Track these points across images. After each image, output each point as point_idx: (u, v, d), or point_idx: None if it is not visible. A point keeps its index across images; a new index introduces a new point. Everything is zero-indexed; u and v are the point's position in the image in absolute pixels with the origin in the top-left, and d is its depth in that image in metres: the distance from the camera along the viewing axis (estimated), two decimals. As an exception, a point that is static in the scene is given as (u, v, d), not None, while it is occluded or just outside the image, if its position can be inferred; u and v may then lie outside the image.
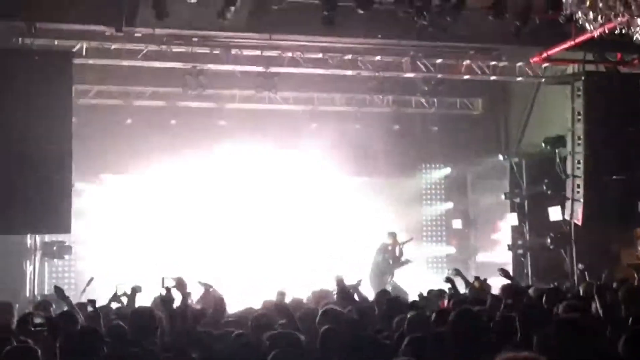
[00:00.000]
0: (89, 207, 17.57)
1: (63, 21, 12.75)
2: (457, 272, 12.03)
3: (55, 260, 16.25)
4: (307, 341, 6.34)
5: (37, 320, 7.29)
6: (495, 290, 10.90)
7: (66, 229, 13.17)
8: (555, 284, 13.11)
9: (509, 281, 10.70)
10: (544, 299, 9.02)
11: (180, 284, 7.89)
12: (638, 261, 15.05)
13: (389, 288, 14.81)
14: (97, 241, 17.54)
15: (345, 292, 9.32)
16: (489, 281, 11.97)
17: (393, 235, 17.39)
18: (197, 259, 16.89)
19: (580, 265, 13.59)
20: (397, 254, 17.14)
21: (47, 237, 15.58)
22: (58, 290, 9.24)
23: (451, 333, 6.22)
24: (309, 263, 17.88)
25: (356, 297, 9.81)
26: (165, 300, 7.55)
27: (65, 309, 8.70)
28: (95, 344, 6.17)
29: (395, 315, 7.50)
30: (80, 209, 16.94)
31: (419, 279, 16.79)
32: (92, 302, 8.93)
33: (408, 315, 7.12)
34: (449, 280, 11.20)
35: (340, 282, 9.49)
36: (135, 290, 9.82)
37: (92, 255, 17.19)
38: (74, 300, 11.52)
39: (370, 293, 12.64)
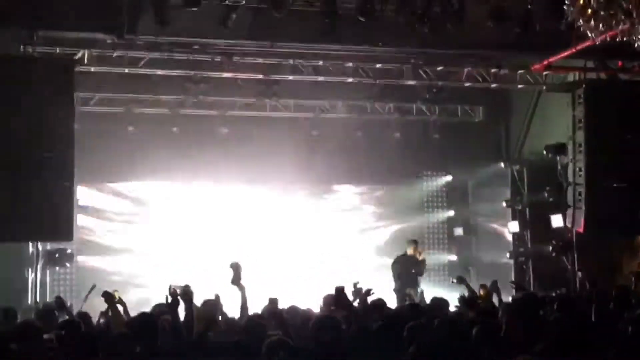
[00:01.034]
0: (91, 214, 17.62)
1: (64, 29, 12.75)
2: (461, 280, 11.89)
3: (57, 267, 16.21)
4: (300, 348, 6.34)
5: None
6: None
7: (68, 237, 13.14)
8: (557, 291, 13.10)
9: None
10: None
11: (187, 293, 7.88)
12: (639, 269, 15.03)
13: (416, 299, 14.49)
14: (100, 248, 17.57)
15: (342, 300, 9.26)
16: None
17: (413, 242, 16.72)
18: (201, 268, 16.88)
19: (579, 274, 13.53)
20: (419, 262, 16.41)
21: (49, 245, 15.56)
22: (58, 300, 9.24)
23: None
24: (309, 270, 17.87)
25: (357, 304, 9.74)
26: (171, 308, 7.58)
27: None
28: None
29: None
30: (82, 216, 17.06)
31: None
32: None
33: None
34: (461, 280, 11.11)
35: (338, 290, 9.46)
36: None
37: (95, 262, 17.22)
38: (76, 307, 11.62)
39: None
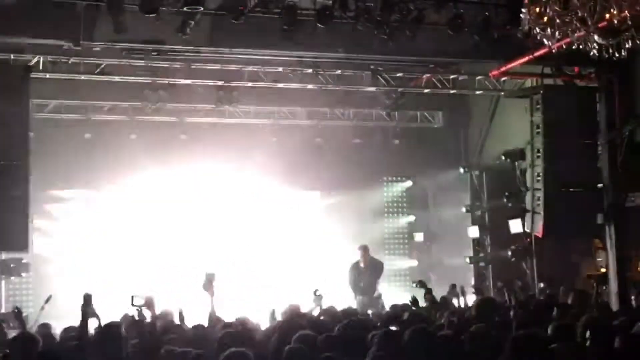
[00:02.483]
0: (47, 223, 17.35)
1: (19, 35, 12.56)
2: (422, 284, 11.81)
3: (13, 277, 15.92)
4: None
5: None
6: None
7: (23, 247, 12.93)
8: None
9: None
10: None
11: (149, 303, 7.79)
12: (597, 272, 15.21)
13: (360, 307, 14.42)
14: (56, 258, 17.32)
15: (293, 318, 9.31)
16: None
17: (362, 248, 16.40)
18: (158, 274, 16.74)
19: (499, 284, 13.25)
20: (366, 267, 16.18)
21: (4, 255, 15.29)
22: (17, 312, 9.10)
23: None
24: (267, 277, 17.81)
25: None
26: (138, 319, 7.51)
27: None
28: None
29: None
30: (37, 225, 16.78)
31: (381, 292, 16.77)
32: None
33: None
34: (422, 285, 11.08)
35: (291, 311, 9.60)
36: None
37: (52, 272, 16.96)
38: (32, 318, 11.43)
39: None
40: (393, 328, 7.70)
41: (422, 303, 10.98)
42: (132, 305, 7.85)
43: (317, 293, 11.45)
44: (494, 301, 9.92)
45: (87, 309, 7.69)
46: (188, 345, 7.26)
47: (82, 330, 7.56)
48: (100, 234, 17.85)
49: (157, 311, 8.69)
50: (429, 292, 11.27)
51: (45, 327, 9.85)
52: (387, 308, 12.11)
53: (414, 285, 12.45)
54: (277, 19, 12.16)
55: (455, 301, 11.56)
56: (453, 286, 11.56)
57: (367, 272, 16.07)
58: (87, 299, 7.76)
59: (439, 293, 12.20)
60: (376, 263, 16.33)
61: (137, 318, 7.84)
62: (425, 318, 9.04)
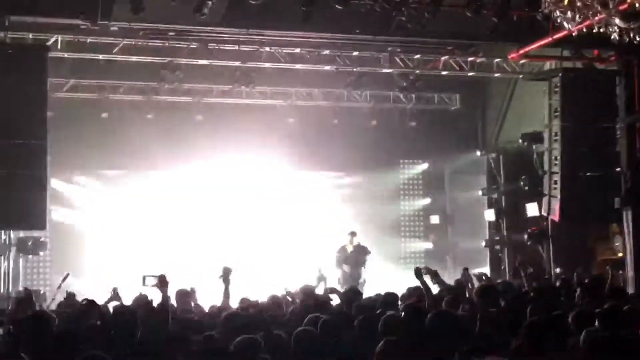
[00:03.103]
0: (64, 202, 17.47)
1: (37, 14, 12.55)
2: (428, 271, 11.56)
3: (30, 256, 16.05)
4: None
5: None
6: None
7: (41, 226, 13.03)
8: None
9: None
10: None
11: (162, 282, 7.79)
12: (613, 257, 15.15)
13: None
14: (73, 236, 17.43)
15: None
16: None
17: (350, 234, 16.52)
18: (176, 254, 16.83)
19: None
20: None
21: (22, 233, 15.40)
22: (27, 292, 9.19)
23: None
24: (283, 257, 17.85)
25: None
26: (149, 300, 7.56)
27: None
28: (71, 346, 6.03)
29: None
30: (55, 203, 16.91)
31: (397, 275, 16.77)
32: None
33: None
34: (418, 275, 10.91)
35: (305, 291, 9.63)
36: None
37: (69, 250, 17.07)
38: (49, 296, 11.52)
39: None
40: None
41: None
42: (144, 285, 7.86)
43: (320, 272, 11.49)
44: (495, 288, 9.75)
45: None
46: (201, 327, 7.29)
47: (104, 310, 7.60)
48: (117, 213, 17.94)
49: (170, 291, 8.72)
50: (435, 276, 11.07)
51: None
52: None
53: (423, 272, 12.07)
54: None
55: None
56: (465, 269, 11.49)
57: (353, 256, 16.12)
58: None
59: (455, 276, 12.16)
60: (362, 248, 16.30)
61: (148, 298, 7.83)
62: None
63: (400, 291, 10.07)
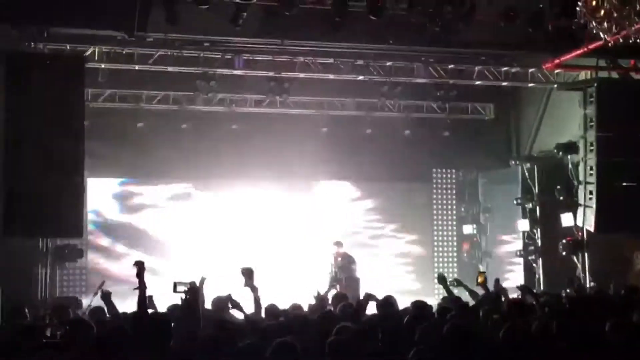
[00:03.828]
0: (102, 211, 17.68)
1: (75, 26, 12.78)
2: (459, 283, 11.49)
3: (67, 263, 16.24)
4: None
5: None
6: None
7: (78, 233, 13.21)
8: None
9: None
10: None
11: (193, 290, 7.86)
12: (649, 268, 15.01)
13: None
14: (109, 244, 17.63)
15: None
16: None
17: (336, 244, 16.38)
18: (209, 262, 16.90)
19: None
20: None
21: (59, 240, 15.60)
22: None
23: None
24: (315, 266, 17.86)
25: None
26: (185, 306, 7.61)
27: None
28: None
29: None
30: (92, 212, 17.13)
31: (430, 283, 16.75)
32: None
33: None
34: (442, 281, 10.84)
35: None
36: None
37: (105, 259, 17.27)
38: (85, 302, 11.64)
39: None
40: None
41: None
42: (175, 291, 7.91)
43: (335, 274, 11.49)
44: (524, 304, 9.67)
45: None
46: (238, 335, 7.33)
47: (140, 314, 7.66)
48: (153, 223, 18.10)
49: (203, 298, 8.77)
50: (447, 291, 11.00)
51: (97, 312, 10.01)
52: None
53: (451, 283, 11.95)
54: (328, 10, 12.19)
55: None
56: (497, 281, 11.42)
57: (344, 265, 15.93)
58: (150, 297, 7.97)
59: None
60: (348, 257, 16.18)
61: (180, 305, 7.88)
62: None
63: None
